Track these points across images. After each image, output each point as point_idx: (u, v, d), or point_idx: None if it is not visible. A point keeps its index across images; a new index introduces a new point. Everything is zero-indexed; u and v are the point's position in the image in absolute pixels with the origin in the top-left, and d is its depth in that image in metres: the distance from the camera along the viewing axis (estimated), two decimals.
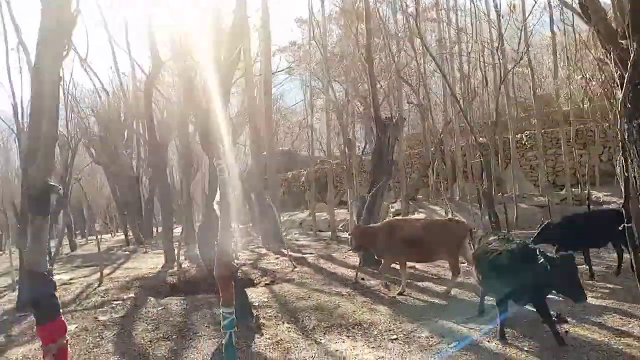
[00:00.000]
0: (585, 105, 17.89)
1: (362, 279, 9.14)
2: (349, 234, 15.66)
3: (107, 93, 19.30)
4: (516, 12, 16.09)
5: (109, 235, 29.67)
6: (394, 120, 10.93)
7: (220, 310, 4.05)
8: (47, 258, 5.40)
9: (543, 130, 18.99)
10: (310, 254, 14.00)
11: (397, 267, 8.35)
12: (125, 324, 7.04)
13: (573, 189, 17.24)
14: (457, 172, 20.05)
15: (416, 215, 16.96)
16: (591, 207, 13.98)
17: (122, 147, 22.75)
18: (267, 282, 9.95)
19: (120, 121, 22.84)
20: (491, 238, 5.70)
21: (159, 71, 14.35)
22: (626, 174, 5.54)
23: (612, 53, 5.57)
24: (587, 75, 17.58)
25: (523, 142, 20.51)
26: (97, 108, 22.89)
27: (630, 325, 5.45)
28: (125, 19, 29.73)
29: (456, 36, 18.34)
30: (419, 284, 8.59)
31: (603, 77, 17.86)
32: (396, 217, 9.53)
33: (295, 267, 11.01)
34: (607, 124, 18.87)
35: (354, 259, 11.92)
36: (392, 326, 6.08)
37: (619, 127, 5.66)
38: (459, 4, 20.42)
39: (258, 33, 18.81)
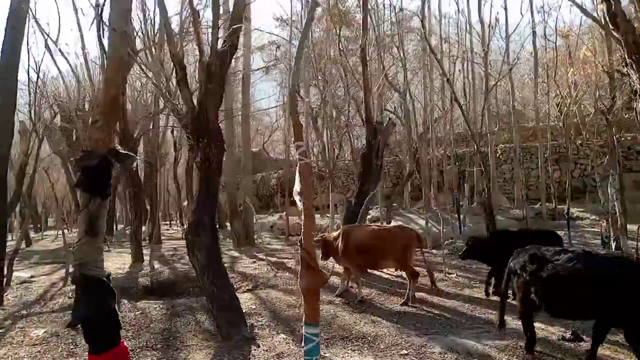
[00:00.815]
0: (560, 123, 18.31)
1: (351, 286, 8.74)
2: (314, 241, 15.31)
3: (77, 79, 18.08)
4: (499, 24, 16.21)
5: (66, 230, 28.03)
6: (384, 125, 10.64)
7: (302, 331, 3.41)
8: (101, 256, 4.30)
9: (521, 145, 19.25)
10: (287, 258, 13.52)
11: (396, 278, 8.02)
12: None
13: (547, 204, 17.46)
14: (432, 181, 20.04)
15: (386, 223, 16.79)
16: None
17: (84, 138, 21.47)
18: (249, 287, 9.43)
19: (85, 110, 21.58)
20: (531, 252, 4.97)
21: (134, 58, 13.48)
22: None
23: (637, 63, 5.46)
24: (564, 93, 18.03)
25: (497, 155, 20.76)
26: (60, 95, 21.56)
27: None
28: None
29: (440, 45, 18.35)
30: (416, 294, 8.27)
31: (576, 96, 18.41)
32: (353, 225, 9.23)
33: (276, 272, 10.52)
34: (579, 142, 19.43)
35: (336, 265, 11.54)
36: (400, 340, 5.70)
37: None
38: (444, 13, 20.59)
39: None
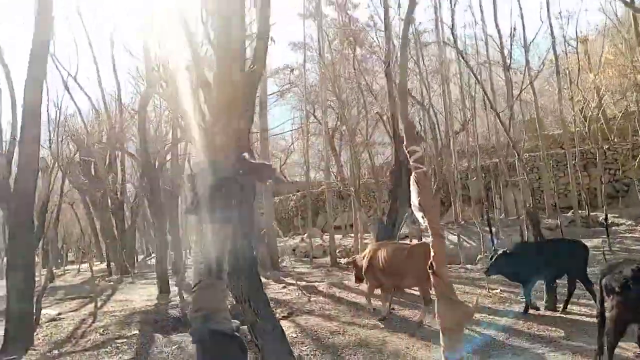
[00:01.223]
0: (585, 129, 17.86)
1: (393, 309, 8.32)
2: (345, 263, 14.91)
3: (97, 112, 18.19)
4: (517, 34, 15.95)
5: (86, 264, 27.93)
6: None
7: None
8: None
9: (547, 152, 18.79)
10: (317, 281, 13.14)
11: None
12: None
13: (580, 211, 16.88)
14: (455, 195, 19.57)
15: (416, 241, 16.34)
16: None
17: (103, 171, 21.50)
18: (284, 314, 9.01)
19: (102, 143, 21.67)
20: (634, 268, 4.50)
21: (154, 87, 13.50)
22: None
23: None
24: (587, 97, 17.63)
25: (524, 164, 20.26)
26: (77, 131, 21.71)
27: None
28: (110, 33, 28.78)
29: (457, 55, 18.16)
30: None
31: (600, 100, 17.99)
32: (379, 242, 8.84)
33: (309, 297, 10.13)
34: (606, 146, 18.90)
35: None
36: None
37: None
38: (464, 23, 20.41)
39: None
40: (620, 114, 17.73)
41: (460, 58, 12.28)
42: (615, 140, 17.17)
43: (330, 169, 24.42)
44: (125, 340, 7.30)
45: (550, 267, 7.07)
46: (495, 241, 14.78)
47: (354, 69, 17.44)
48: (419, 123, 17.35)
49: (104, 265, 23.31)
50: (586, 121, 17.85)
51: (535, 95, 16.51)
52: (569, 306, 7.21)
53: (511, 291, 8.99)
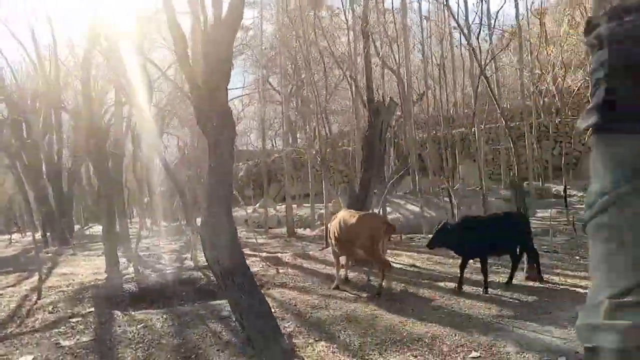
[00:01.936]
0: (541, 101, 18.20)
1: (369, 279, 7.98)
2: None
3: (34, 65, 16.27)
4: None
5: (19, 235, 25.79)
6: (386, 104, 9.85)
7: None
8: None
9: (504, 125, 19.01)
10: (277, 253, 12.64)
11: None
12: (102, 350, 5.29)
13: (535, 183, 17.32)
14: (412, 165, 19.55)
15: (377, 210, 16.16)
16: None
17: (37, 133, 19.57)
18: None
19: (36, 102, 19.70)
20: None
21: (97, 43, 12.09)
22: None
23: None
24: (543, 71, 17.89)
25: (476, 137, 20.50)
26: (6, 85, 19.52)
27: None
28: None
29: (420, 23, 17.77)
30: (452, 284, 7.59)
31: (554, 73, 18.32)
32: (347, 211, 8.40)
33: (277, 269, 9.61)
34: (558, 120, 19.42)
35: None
36: (462, 339, 4.97)
37: None
38: None
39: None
40: (577, 88, 18.17)
41: (451, 15, 11.78)
42: (570, 113, 17.61)
43: (287, 136, 23.68)
44: (80, 319, 6.47)
45: (493, 241, 6.88)
46: (455, 212, 14.94)
47: (314, 31, 16.64)
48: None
49: (38, 236, 21.52)
50: (541, 95, 18.19)
51: (495, 67, 16.48)
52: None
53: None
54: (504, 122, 9.50)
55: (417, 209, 15.05)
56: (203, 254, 5.49)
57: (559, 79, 17.72)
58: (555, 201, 16.01)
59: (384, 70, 16.54)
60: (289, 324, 5.91)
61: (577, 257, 8.82)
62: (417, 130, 20.51)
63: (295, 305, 6.71)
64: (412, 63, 18.90)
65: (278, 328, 5.19)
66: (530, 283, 7.15)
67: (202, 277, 9.49)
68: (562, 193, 16.28)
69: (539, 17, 18.70)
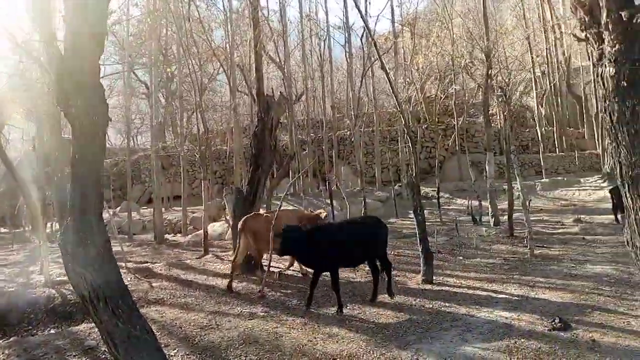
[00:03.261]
0: (410, 108, 19.06)
1: (259, 291, 7.17)
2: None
3: None
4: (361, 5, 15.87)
5: None
6: (276, 98, 9.17)
7: None
8: None
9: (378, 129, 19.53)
10: (147, 262, 11.21)
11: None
12: None
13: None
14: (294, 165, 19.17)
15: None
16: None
17: None
18: None
19: None
20: None
21: None
22: (618, 160, 5.11)
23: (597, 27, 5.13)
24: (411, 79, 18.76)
25: (351, 140, 20.87)
26: None
27: None
28: None
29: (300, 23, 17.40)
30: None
31: (421, 82, 19.37)
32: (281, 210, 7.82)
33: (150, 282, 8.32)
34: (425, 126, 20.57)
35: (217, 265, 9.75)
36: (382, 357, 4.46)
37: (604, 108, 5.17)
38: None
39: None
40: (444, 96, 19.40)
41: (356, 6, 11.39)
42: (438, 119, 18.71)
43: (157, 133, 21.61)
44: None
45: (348, 251, 6.08)
46: (335, 213, 14.81)
47: (189, 20, 15.38)
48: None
49: None
50: (409, 102, 19.06)
51: (372, 70, 16.79)
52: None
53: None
54: (404, 123, 9.25)
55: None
56: (59, 268, 4.23)
57: (426, 87, 18.79)
58: (425, 202, 16.77)
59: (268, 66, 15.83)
60: (175, 351, 4.88)
61: (461, 257, 9.03)
62: (297, 131, 20.24)
63: (179, 327, 5.65)
64: (292, 62, 18.53)
65: None
66: (428, 286, 6.99)
67: (56, 295, 7.81)
68: (430, 194, 17.23)
69: (408, 26, 19.61)
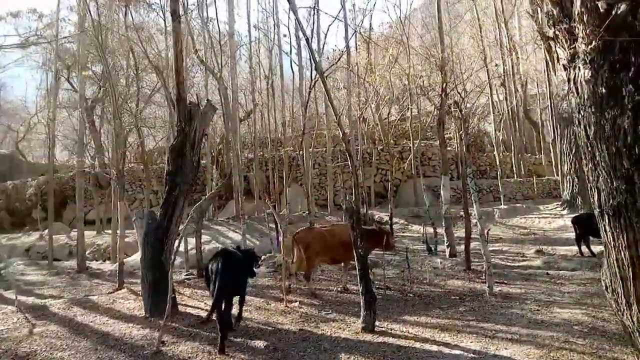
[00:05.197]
0: (365, 128, 18.16)
1: (163, 342, 5.73)
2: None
3: None
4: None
5: None
6: (201, 108, 7.88)
7: None
8: None
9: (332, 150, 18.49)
10: (51, 297, 9.58)
11: None
12: None
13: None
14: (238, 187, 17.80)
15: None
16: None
17: None
18: None
19: None
20: None
21: None
22: (595, 186, 4.07)
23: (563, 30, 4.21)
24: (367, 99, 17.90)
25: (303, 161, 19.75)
26: None
27: None
28: None
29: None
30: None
31: (377, 103, 18.55)
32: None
33: (33, 326, 6.76)
34: (380, 147, 19.68)
35: (128, 303, 8.21)
36: None
37: (578, 121, 4.16)
38: None
39: None
40: (400, 116, 18.61)
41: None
42: (395, 141, 17.84)
43: (86, 149, 19.82)
44: None
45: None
46: (279, 239, 13.50)
47: (126, 27, 14.08)
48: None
49: None
50: (365, 122, 18.18)
51: (327, 90, 15.78)
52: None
53: (313, 304, 7.41)
54: (345, 146, 8.17)
55: (239, 237, 13.23)
56: None
57: (381, 108, 17.97)
58: None
59: (208, 78, 14.57)
60: None
61: (411, 295, 7.85)
62: (243, 150, 18.94)
63: None
64: (239, 76, 17.33)
65: None
66: (368, 337, 5.72)
67: None
68: (384, 220, 16.17)
69: (365, 41, 18.87)
